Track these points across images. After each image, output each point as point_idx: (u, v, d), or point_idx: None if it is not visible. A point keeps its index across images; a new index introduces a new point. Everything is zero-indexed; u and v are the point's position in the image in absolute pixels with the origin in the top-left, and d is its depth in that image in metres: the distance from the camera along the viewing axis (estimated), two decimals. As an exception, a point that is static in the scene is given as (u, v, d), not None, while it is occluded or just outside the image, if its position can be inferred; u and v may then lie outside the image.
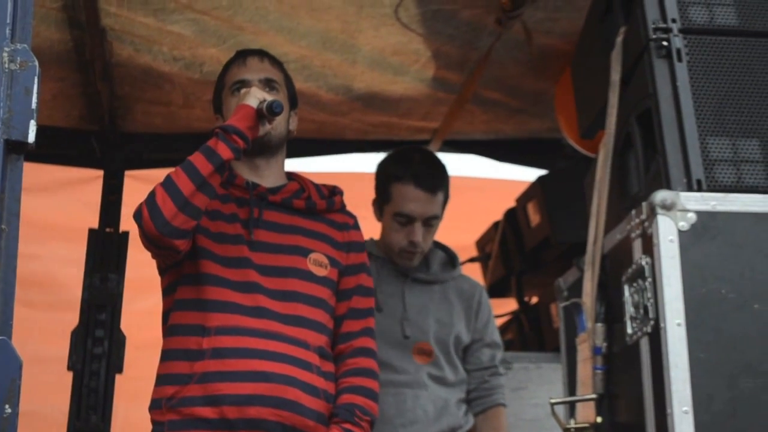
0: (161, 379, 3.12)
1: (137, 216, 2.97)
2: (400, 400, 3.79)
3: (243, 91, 3.19)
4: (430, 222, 3.96)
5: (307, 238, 3.25)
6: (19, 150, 2.08)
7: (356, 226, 3.38)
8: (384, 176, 4.03)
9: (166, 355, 3.15)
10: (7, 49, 2.10)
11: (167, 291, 3.22)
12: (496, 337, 4.13)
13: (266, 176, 3.29)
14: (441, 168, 4.04)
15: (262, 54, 3.39)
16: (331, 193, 3.38)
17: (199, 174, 2.96)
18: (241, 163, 3.25)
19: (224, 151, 2.98)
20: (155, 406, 3.11)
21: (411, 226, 3.93)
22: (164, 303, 3.23)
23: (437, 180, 3.99)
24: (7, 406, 1.95)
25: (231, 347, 3.04)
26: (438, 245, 4.16)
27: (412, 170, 3.96)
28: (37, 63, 2.11)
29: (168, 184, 2.97)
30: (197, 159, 2.99)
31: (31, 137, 2.08)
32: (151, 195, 2.97)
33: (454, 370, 3.95)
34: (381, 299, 3.89)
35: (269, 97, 3.07)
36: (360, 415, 3.13)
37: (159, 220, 2.93)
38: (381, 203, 4.04)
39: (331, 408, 3.13)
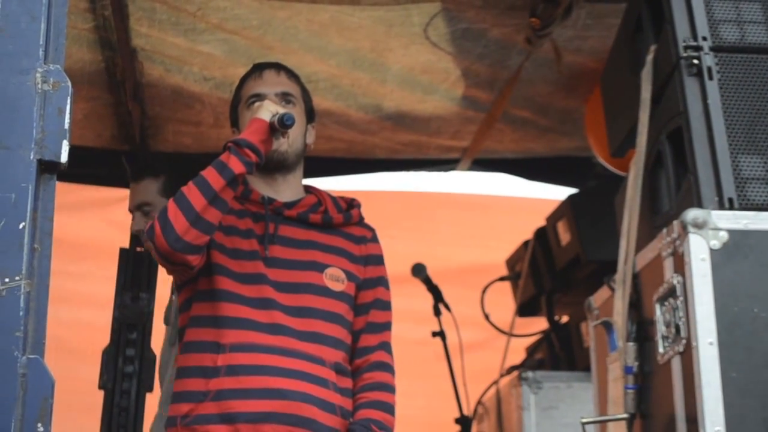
0: (177, 397, 3.12)
1: (150, 232, 2.97)
2: None
3: (256, 104, 3.19)
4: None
5: (324, 252, 3.23)
6: (51, 170, 2.10)
7: (374, 239, 3.36)
8: None
9: (182, 373, 3.15)
10: (40, 70, 2.12)
11: (183, 308, 3.22)
12: None
13: (283, 191, 3.29)
14: None
15: (278, 67, 3.38)
16: (349, 206, 3.37)
17: (210, 188, 2.96)
18: (257, 178, 3.25)
19: (236, 165, 2.98)
20: (170, 424, 3.10)
21: None
22: (180, 320, 3.23)
23: None
24: (39, 425, 1.96)
25: (246, 364, 3.04)
26: None
27: None
28: (70, 83, 2.13)
29: (180, 199, 2.97)
30: (209, 173, 2.99)
31: (64, 157, 2.09)
32: (164, 211, 2.97)
33: None
34: None
35: (282, 110, 3.07)
36: (376, 430, 3.12)
37: (171, 236, 2.93)
38: None
39: (348, 424, 3.12)
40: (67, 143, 2.11)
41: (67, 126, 2.11)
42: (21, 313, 1.99)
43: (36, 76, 2.12)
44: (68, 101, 2.12)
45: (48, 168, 2.09)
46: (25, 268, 2.02)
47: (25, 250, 2.02)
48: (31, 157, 2.07)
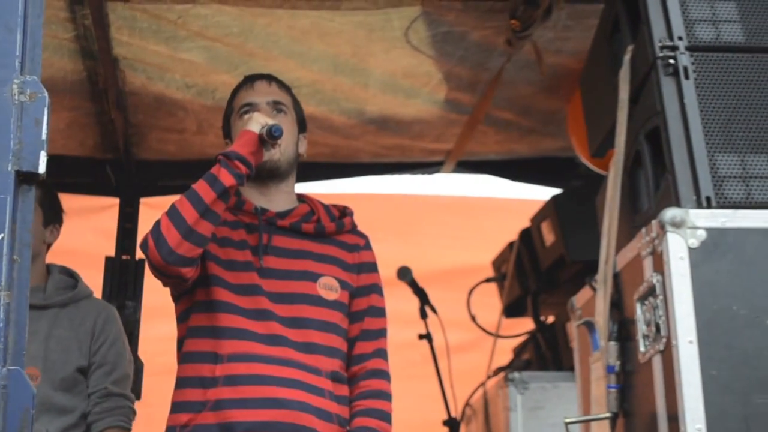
0: (175, 407, 3.13)
1: (143, 246, 3.00)
2: None
3: (246, 116, 3.21)
4: None
5: (317, 262, 3.25)
6: (29, 181, 2.10)
7: (367, 247, 3.37)
8: None
9: (181, 383, 3.16)
10: (16, 81, 2.12)
11: (181, 318, 3.23)
12: (111, 356, 3.88)
13: (276, 200, 3.30)
14: None
15: (269, 78, 3.40)
16: (342, 215, 3.38)
17: (202, 201, 2.98)
18: (250, 187, 3.26)
19: (226, 178, 3.00)
20: None
21: None
22: (179, 330, 3.24)
23: None
24: (20, 436, 1.96)
25: (244, 374, 3.05)
26: (58, 268, 3.99)
27: None
28: (47, 94, 2.13)
29: (172, 212, 2.99)
30: (200, 186, 3.01)
31: (42, 168, 2.09)
32: (156, 224, 2.99)
33: (64, 398, 3.74)
34: None
35: (271, 122, 3.08)
36: (373, 438, 3.13)
37: (164, 249, 2.95)
38: None
39: (345, 432, 3.14)
40: (45, 154, 2.11)
41: (44, 137, 2.11)
42: (1, 325, 2.00)
43: (13, 87, 2.12)
44: (45, 112, 2.12)
45: (26, 179, 2.09)
46: (4, 279, 2.02)
47: (4, 261, 2.02)
48: (9, 168, 2.07)
